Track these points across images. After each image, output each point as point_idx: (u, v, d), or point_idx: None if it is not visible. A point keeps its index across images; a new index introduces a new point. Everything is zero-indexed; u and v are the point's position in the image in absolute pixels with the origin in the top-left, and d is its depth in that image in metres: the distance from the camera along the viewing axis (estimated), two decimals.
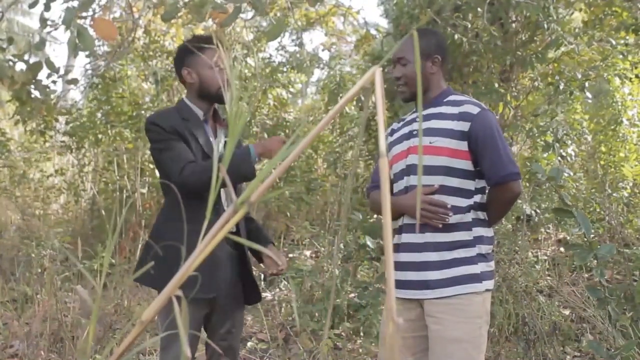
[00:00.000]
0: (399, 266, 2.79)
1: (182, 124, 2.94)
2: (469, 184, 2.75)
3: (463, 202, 2.73)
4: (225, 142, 3.08)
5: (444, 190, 2.72)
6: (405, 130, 2.94)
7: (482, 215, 2.79)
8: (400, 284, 2.78)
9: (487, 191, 2.84)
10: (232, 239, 3.01)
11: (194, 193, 2.75)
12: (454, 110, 2.78)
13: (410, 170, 2.81)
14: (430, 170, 2.73)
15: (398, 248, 2.81)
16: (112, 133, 8.36)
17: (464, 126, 2.72)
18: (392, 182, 2.94)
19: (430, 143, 2.74)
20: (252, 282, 3.15)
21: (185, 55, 3.03)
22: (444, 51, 2.93)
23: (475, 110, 2.75)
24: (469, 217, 2.73)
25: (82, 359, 4.16)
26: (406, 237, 2.78)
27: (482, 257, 2.73)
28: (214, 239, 0.76)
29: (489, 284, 2.74)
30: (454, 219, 2.70)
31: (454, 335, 2.65)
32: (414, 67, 2.84)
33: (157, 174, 8.29)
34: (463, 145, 2.72)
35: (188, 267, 0.76)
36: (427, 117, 2.83)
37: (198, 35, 3.27)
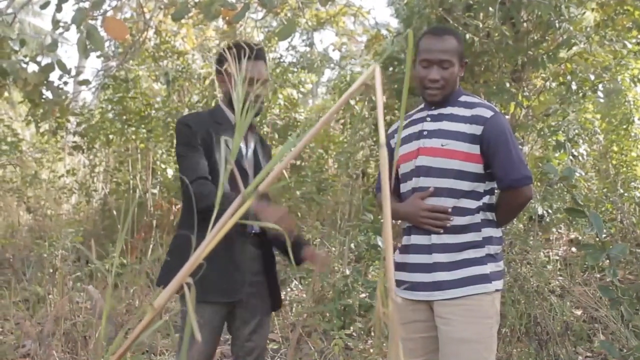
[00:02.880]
0: (408, 267, 2.78)
1: (214, 127, 2.98)
2: (479, 187, 2.74)
3: (472, 204, 2.72)
4: (255, 147, 3.14)
5: (454, 193, 2.71)
6: (414, 129, 2.89)
7: (490, 215, 2.78)
8: (410, 286, 2.77)
9: (496, 193, 2.83)
10: (256, 240, 3.04)
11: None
12: (466, 112, 2.76)
13: (419, 171, 2.78)
14: (441, 172, 2.72)
15: (408, 249, 2.80)
16: (129, 132, 8.36)
17: (477, 130, 2.70)
18: (399, 183, 2.92)
19: (442, 145, 2.72)
20: (276, 284, 3.16)
21: (225, 60, 3.03)
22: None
23: (488, 113, 2.73)
24: (478, 218, 2.72)
25: (96, 359, 4.18)
26: (415, 239, 2.77)
27: (491, 258, 2.72)
28: (222, 229, 0.76)
29: (499, 284, 2.74)
30: (463, 220, 2.69)
31: (463, 335, 2.64)
32: (456, 71, 2.78)
33: (169, 173, 8.37)
34: (475, 149, 2.70)
35: (197, 256, 0.76)
36: (438, 118, 2.80)
37: (244, 41, 3.27)
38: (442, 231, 2.69)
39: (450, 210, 2.69)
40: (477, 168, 2.72)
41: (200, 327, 2.88)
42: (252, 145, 3.13)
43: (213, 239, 0.77)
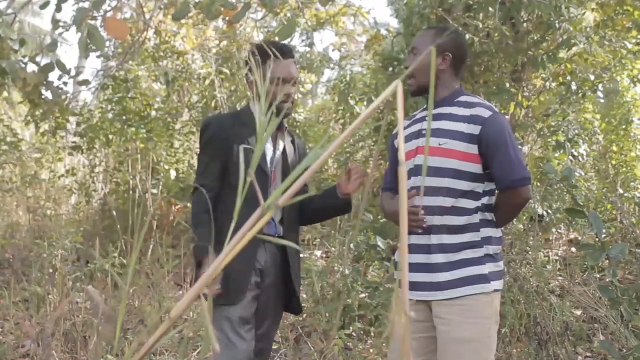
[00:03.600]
0: (407, 267, 2.77)
1: (237, 128, 3.01)
2: (478, 187, 2.74)
3: (471, 204, 2.72)
4: (284, 147, 3.15)
5: (452, 192, 2.70)
6: (414, 128, 2.90)
7: (489, 216, 2.78)
8: (408, 285, 2.76)
9: (495, 193, 2.83)
10: (279, 244, 3.05)
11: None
12: (465, 112, 2.76)
13: (418, 170, 2.79)
14: (438, 172, 2.72)
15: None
16: (130, 132, 8.35)
17: (475, 129, 2.70)
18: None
19: (439, 145, 2.72)
20: (293, 289, 3.15)
21: (254, 62, 3.03)
22: (460, 50, 2.88)
23: (486, 113, 2.72)
24: (476, 218, 2.72)
25: (95, 359, 4.18)
26: (414, 239, 2.77)
27: (490, 258, 2.72)
28: (242, 241, 0.76)
29: (498, 284, 2.73)
30: (461, 220, 2.70)
31: (462, 336, 2.64)
32: (423, 58, 2.80)
33: (172, 174, 8.37)
34: (473, 149, 2.70)
35: (215, 269, 0.77)
36: (437, 117, 2.80)
37: (273, 42, 3.28)
38: (420, 231, 2.68)
39: (422, 211, 2.67)
40: (476, 168, 2.72)
41: (228, 328, 2.90)
42: (280, 147, 3.12)
43: (231, 252, 0.77)
